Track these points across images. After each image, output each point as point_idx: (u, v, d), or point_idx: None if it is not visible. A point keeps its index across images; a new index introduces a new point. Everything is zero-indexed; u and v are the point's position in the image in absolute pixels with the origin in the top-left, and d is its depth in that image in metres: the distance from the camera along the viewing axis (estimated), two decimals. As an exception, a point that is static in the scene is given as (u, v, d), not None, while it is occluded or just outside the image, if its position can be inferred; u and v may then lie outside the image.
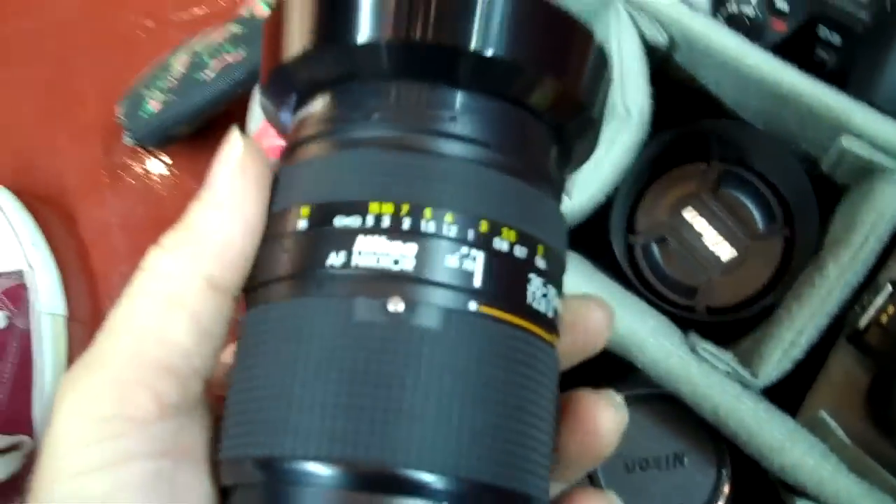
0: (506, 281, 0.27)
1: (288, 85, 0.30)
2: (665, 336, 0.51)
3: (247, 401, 0.27)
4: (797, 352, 0.50)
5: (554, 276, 0.29)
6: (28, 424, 0.71)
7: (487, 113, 0.28)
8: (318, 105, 0.29)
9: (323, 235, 0.27)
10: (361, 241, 0.26)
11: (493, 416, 0.26)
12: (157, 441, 0.28)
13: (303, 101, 0.30)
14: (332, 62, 0.28)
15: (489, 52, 0.27)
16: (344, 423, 0.25)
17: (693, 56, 0.58)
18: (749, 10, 0.59)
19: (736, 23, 0.59)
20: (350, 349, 0.26)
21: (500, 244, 0.27)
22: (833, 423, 0.50)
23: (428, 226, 0.27)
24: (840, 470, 0.48)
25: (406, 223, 0.26)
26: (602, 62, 0.30)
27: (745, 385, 0.50)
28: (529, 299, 0.28)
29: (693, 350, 0.51)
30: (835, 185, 0.57)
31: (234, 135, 0.30)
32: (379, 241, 0.26)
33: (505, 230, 0.27)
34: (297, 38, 0.28)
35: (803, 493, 0.49)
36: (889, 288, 0.50)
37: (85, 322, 0.79)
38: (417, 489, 0.25)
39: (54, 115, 0.86)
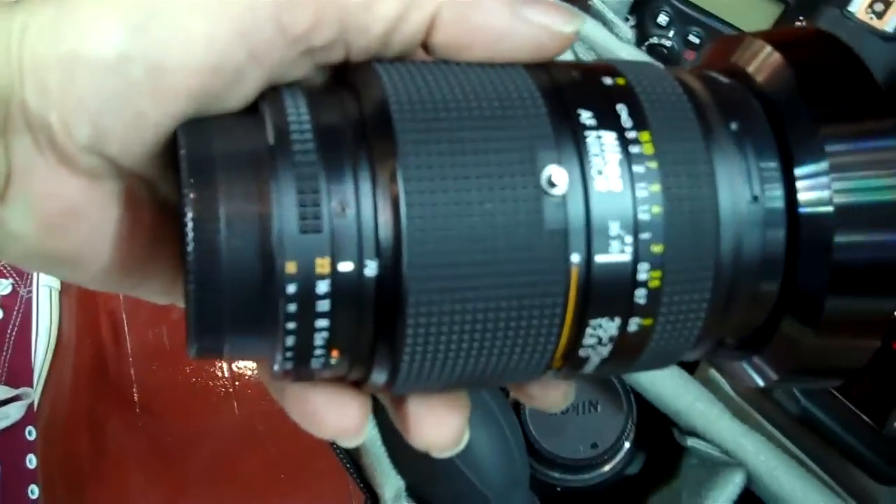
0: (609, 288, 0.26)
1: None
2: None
3: None
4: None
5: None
6: (29, 378, 0.80)
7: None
8: None
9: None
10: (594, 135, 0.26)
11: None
12: None
13: None
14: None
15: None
16: None
17: (620, 78, 0.69)
18: (667, 42, 0.70)
19: (656, 52, 0.70)
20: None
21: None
22: (721, 379, 0.60)
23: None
24: (724, 414, 0.59)
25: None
26: None
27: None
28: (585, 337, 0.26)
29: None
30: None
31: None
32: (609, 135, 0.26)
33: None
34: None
35: (693, 433, 0.60)
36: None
37: (72, 295, 0.88)
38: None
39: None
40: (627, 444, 0.63)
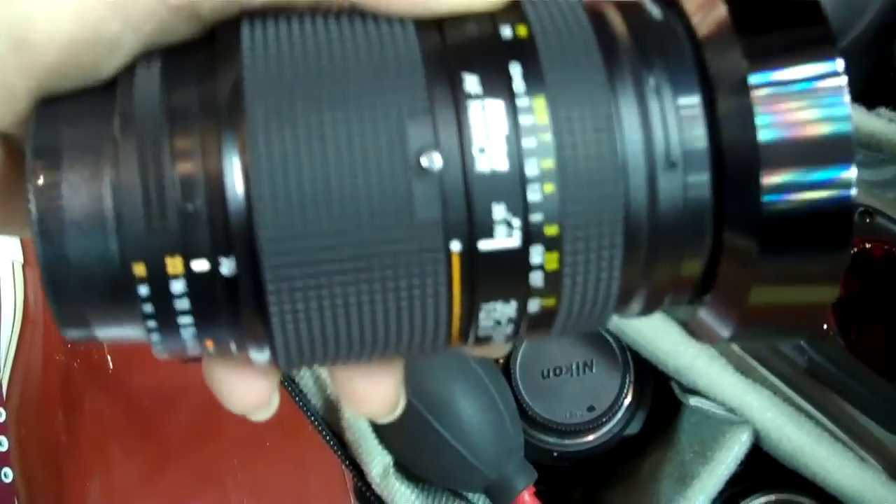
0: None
1: None
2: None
3: None
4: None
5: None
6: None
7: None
8: None
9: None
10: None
11: None
12: None
13: None
14: None
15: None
16: None
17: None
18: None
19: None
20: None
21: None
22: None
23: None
24: (727, 370, 0.56)
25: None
26: None
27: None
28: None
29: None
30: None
31: None
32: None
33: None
34: None
35: (695, 392, 0.56)
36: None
37: (37, 266, 0.84)
38: None
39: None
40: (626, 404, 0.60)
